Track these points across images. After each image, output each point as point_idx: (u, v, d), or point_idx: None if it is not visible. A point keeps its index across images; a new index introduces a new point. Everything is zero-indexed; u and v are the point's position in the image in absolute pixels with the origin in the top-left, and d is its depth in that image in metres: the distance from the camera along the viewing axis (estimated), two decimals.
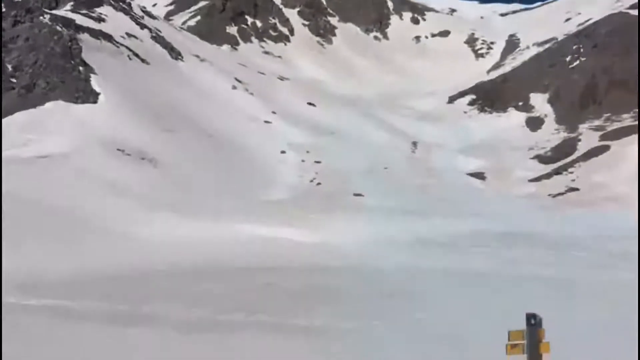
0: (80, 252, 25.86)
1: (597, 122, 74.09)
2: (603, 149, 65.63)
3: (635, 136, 64.89)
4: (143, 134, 52.03)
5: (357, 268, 26.96)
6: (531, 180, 62.61)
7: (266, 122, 68.04)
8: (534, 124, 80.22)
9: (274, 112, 70.76)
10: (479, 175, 64.44)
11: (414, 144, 72.13)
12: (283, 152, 62.15)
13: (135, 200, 37.74)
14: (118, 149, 47.27)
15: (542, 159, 68.91)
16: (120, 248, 28.52)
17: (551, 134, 75.64)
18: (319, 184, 56.09)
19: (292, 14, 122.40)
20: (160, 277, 23.53)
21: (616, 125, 71.46)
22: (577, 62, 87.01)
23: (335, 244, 33.88)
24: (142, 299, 18.96)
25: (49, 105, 53.81)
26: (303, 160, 61.13)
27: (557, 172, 63.42)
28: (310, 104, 79.09)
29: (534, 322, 5.90)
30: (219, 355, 12.53)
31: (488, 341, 10.87)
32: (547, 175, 62.85)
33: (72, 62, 57.34)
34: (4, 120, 50.03)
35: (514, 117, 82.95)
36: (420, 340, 14.18)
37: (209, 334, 14.68)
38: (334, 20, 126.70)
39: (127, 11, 79.77)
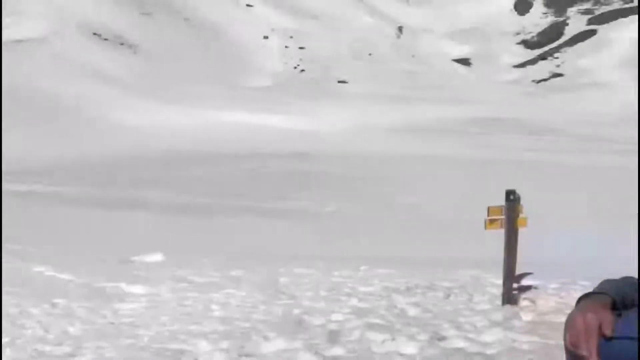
0: (66, 139, 25.82)
1: (586, 6, 72.48)
2: (590, 34, 64.78)
3: (623, 20, 64.01)
4: (120, 18, 50.20)
5: (341, 154, 27.32)
6: (516, 66, 62.21)
7: (248, 5, 65.69)
8: (523, 7, 78.21)
9: None
10: (465, 62, 63.77)
11: (400, 28, 70.48)
12: (265, 37, 60.59)
13: (116, 86, 37.15)
14: (95, 33, 45.80)
15: (528, 44, 68.02)
16: (106, 134, 28.48)
17: (539, 18, 74.11)
18: (302, 70, 55.29)
19: None
20: (147, 163, 23.74)
21: (604, 9, 70.06)
22: None
23: (320, 131, 34.06)
24: (130, 184, 19.26)
25: None
26: (286, 46, 59.79)
27: (543, 57, 62.93)
28: None
29: (512, 197, 6.17)
30: (208, 237, 12.95)
31: (466, 218, 11.34)
32: (532, 61, 62.39)
33: None
34: None
35: (503, 0, 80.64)
36: (402, 222, 14.71)
37: (197, 217, 15.07)
38: None
39: None
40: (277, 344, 4.75)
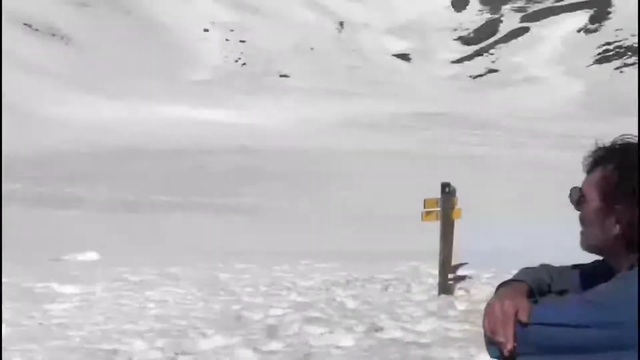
0: None
1: (519, 3, 74.86)
2: (523, 31, 66.99)
3: (554, 18, 66.56)
4: (54, 9, 48.40)
5: (283, 149, 27.24)
6: (453, 62, 63.67)
7: None
8: (459, 4, 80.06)
9: None
10: (404, 57, 64.80)
11: (341, 23, 70.92)
12: (206, 30, 59.76)
13: (49, 79, 35.79)
14: (25, 24, 43.98)
15: (465, 40, 69.75)
16: (37, 129, 27.40)
17: (475, 15, 76.08)
18: (244, 64, 54.82)
19: None
20: (84, 159, 23.01)
21: (537, 7, 72.58)
22: None
23: (262, 125, 33.85)
24: (62, 180, 18.61)
25: None
26: (227, 40, 59.16)
27: (479, 53, 64.68)
28: None
29: (448, 190, 6.29)
30: (145, 234, 12.64)
31: (406, 212, 11.52)
32: (469, 57, 64.05)
33: None
34: None
35: None
36: (343, 216, 14.82)
37: (134, 214, 14.70)
38: None
39: None
40: (215, 340, 4.68)
